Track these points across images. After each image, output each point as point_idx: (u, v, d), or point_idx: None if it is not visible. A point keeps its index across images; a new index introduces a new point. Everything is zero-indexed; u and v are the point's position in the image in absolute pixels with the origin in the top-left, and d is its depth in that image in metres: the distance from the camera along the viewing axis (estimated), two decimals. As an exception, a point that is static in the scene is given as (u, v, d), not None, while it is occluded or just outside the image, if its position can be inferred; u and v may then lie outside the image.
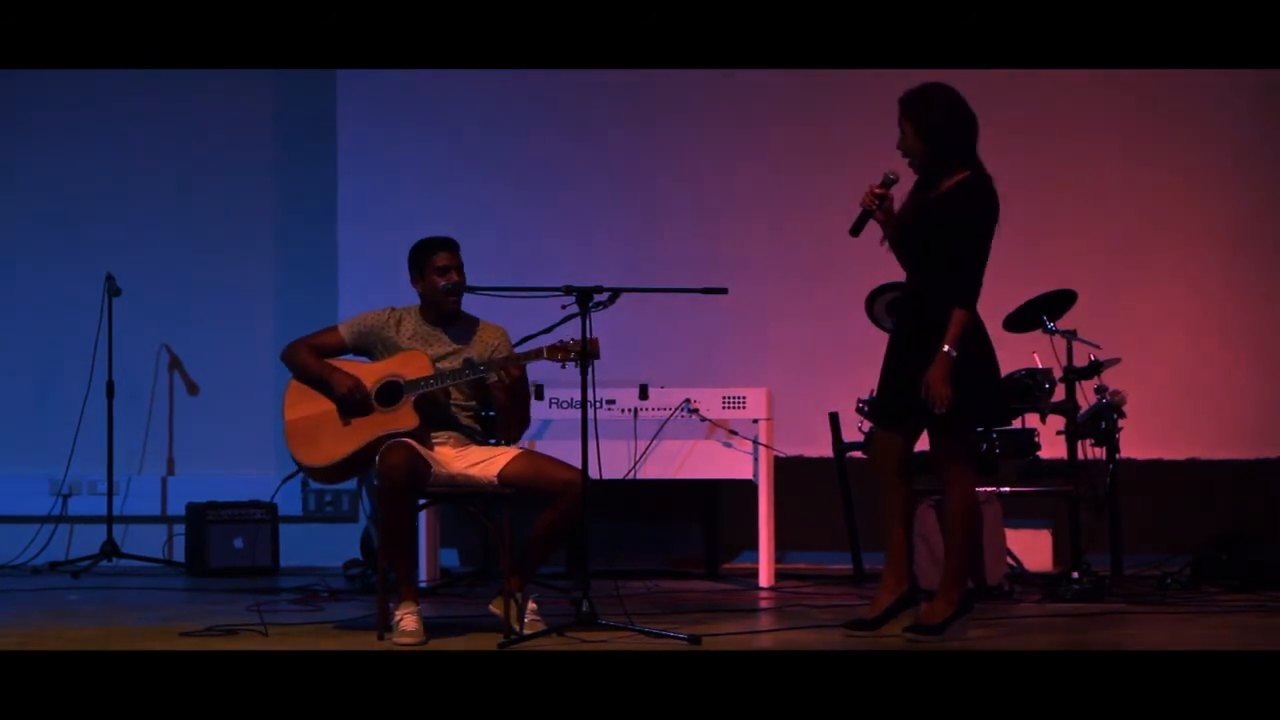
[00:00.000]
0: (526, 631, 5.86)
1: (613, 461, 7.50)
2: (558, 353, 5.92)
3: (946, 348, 5.68)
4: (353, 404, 6.06)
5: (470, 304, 6.28)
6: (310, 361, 6.18)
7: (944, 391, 5.68)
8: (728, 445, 7.78)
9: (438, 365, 6.10)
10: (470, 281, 6.22)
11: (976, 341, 5.79)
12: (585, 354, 5.87)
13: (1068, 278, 7.52)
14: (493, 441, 6.27)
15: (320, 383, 6.13)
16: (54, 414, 8.75)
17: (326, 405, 6.10)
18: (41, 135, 8.96)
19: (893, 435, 5.93)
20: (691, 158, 8.69)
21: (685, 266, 8.35)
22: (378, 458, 5.88)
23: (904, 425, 5.90)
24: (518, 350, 6.24)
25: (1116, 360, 7.41)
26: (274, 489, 8.45)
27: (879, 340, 6.09)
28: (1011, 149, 7.54)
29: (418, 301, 6.28)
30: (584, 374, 5.87)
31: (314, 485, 8.61)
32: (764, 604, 7.18)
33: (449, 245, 6.22)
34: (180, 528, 8.64)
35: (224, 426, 8.84)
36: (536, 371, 7.30)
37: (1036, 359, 7.37)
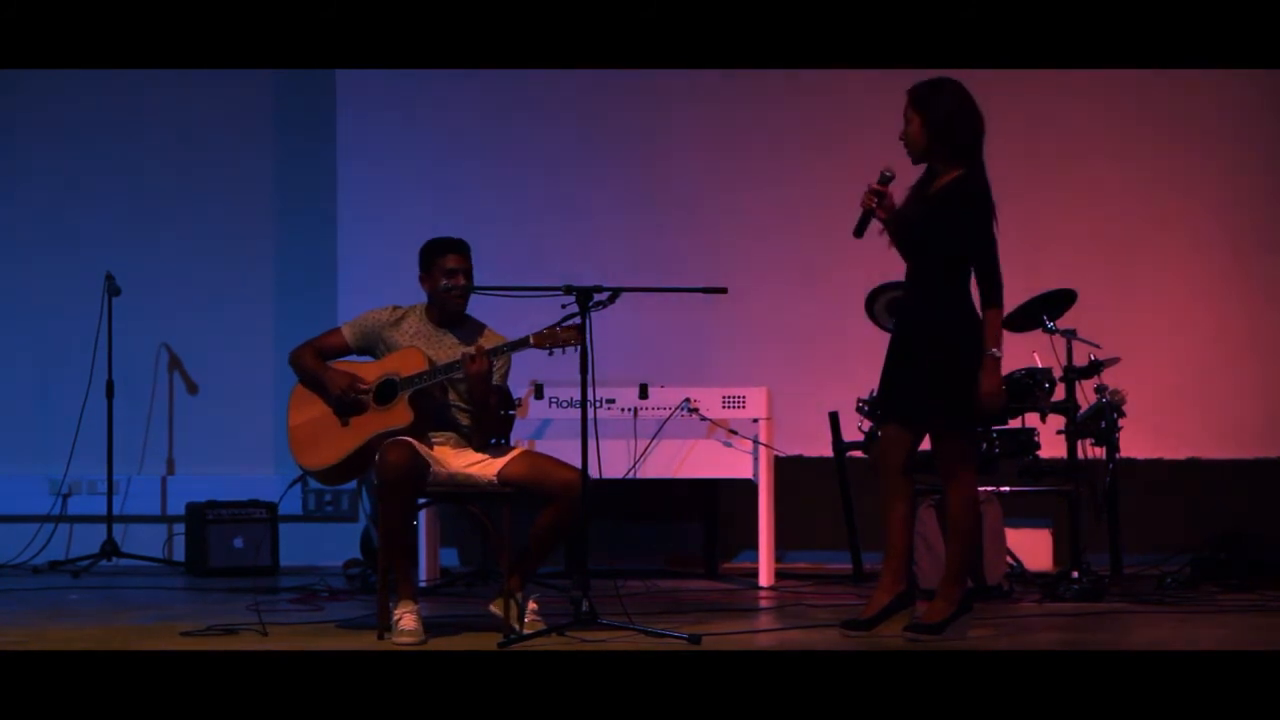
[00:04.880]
0: (526, 631, 5.86)
1: (612, 461, 7.49)
2: (545, 340, 5.92)
3: (994, 350, 5.75)
4: (348, 403, 6.07)
5: (471, 303, 6.27)
6: (310, 364, 6.19)
7: (999, 393, 5.77)
8: (728, 445, 7.78)
9: (434, 363, 6.10)
10: (475, 280, 6.22)
11: (978, 340, 5.79)
12: (585, 354, 5.87)
13: (1068, 278, 7.52)
14: (493, 441, 6.26)
15: (317, 384, 6.15)
16: (54, 413, 8.75)
17: (325, 408, 6.11)
18: (42, 135, 8.96)
19: (896, 434, 5.92)
20: (691, 157, 8.68)
21: (685, 266, 8.35)
22: (377, 456, 5.88)
23: (906, 419, 5.90)
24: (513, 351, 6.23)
25: (1116, 360, 7.41)
26: (273, 488, 8.48)
27: (879, 340, 6.09)
28: (1011, 149, 7.54)
29: (421, 300, 6.28)
30: (584, 373, 5.87)
31: (314, 485, 8.61)
32: (764, 604, 7.18)
33: (460, 248, 6.21)
34: (180, 527, 8.64)
35: (224, 426, 8.84)
36: (536, 369, 7.32)
37: (1036, 358, 7.37)
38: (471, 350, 6.01)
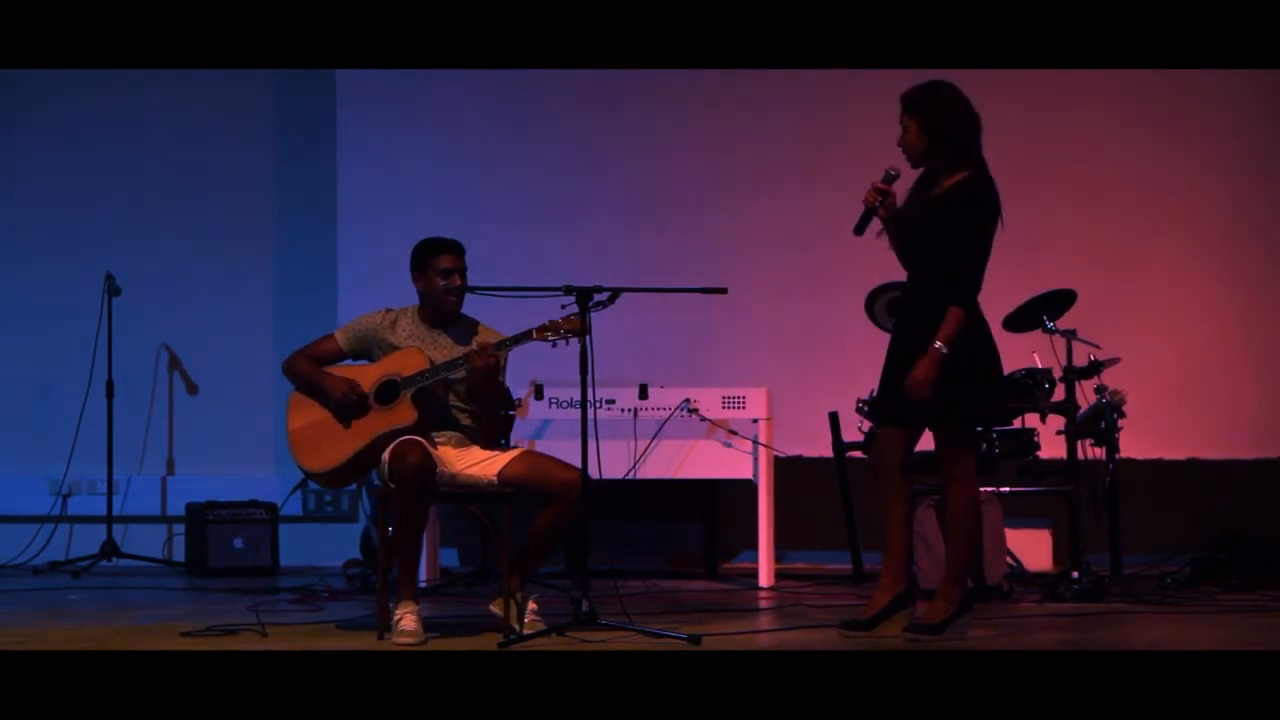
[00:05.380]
0: (526, 631, 5.86)
1: (613, 461, 7.49)
2: (546, 331, 5.92)
3: (938, 344, 5.69)
4: (348, 407, 6.06)
5: (470, 303, 6.27)
6: (307, 370, 6.18)
7: (925, 384, 5.68)
8: (728, 445, 7.78)
9: (434, 363, 6.09)
10: (470, 281, 6.21)
11: (978, 340, 5.79)
12: (585, 355, 5.87)
13: (1068, 278, 7.52)
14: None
15: (316, 390, 6.13)
16: (54, 413, 8.75)
17: (326, 411, 6.10)
18: (42, 135, 8.96)
19: (894, 434, 5.92)
20: (691, 157, 8.68)
21: (685, 266, 8.35)
22: (391, 456, 5.87)
23: (906, 420, 5.89)
24: (517, 352, 6.22)
25: (1116, 360, 7.41)
26: (273, 488, 8.49)
27: (879, 340, 6.09)
28: (1011, 149, 7.54)
29: (416, 301, 6.27)
30: (584, 374, 5.86)
31: (314, 486, 8.60)
32: (763, 604, 7.18)
33: (454, 248, 6.21)
34: (180, 527, 8.64)
35: (224, 426, 8.84)
36: (536, 369, 7.33)
37: (1036, 359, 7.37)
38: (475, 346, 6.01)
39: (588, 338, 5.87)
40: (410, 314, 6.26)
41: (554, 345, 5.96)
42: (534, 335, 5.95)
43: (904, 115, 5.85)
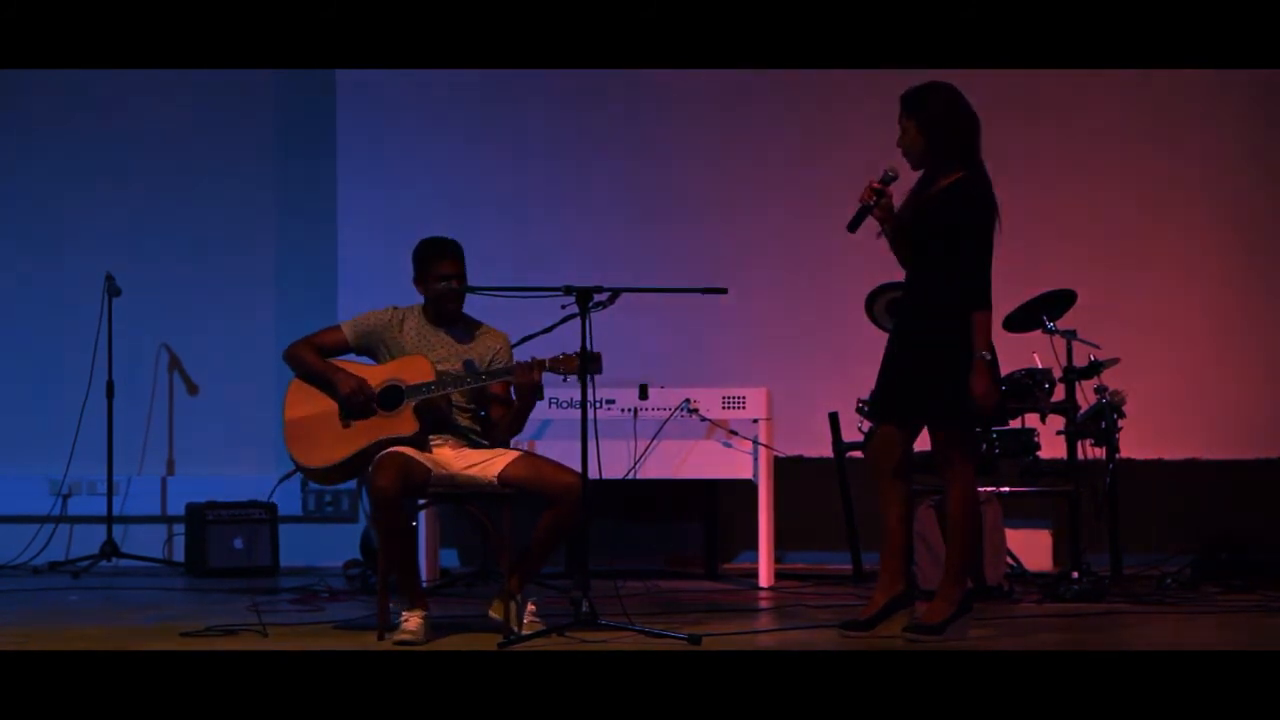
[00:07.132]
0: (526, 632, 5.86)
1: (613, 461, 7.49)
2: (560, 365, 5.92)
3: (982, 353, 5.71)
4: (355, 405, 6.05)
5: (470, 304, 6.27)
6: (314, 361, 6.16)
7: (990, 394, 5.71)
8: (727, 445, 7.78)
9: (439, 369, 6.09)
10: (470, 281, 6.21)
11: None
12: (585, 355, 5.87)
13: (1068, 278, 7.52)
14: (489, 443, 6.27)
15: (324, 382, 6.12)
16: (54, 414, 8.75)
17: (327, 406, 6.08)
18: (41, 135, 8.96)
19: (891, 434, 5.93)
20: (691, 157, 8.69)
21: (685, 266, 8.35)
22: (369, 473, 5.88)
23: (903, 419, 5.90)
24: (517, 352, 6.24)
25: (1116, 360, 7.41)
26: (273, 489, 8.47)
27: (879, 340, 6.09)
28: (1011, 149, 7.55)
29: (419, 300, 6.28)
30: (583, 376, 5.87)
31: (313, 485, 8.61)
32: (764, 604, 7.18)
33: (452, 252, 6.20)
34: (180, 528, 8.64)
35: (224, 426, 8.84)
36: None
37: (1036, 359, 7.37)
38: (528, 362, 6.01)
39: (588, 338, 5.88)
40: (416, 313, 6.27)
41: (565, 380, 5.97)
42: (546, 366, 5.96)
43: (902, 116, 5.86)
